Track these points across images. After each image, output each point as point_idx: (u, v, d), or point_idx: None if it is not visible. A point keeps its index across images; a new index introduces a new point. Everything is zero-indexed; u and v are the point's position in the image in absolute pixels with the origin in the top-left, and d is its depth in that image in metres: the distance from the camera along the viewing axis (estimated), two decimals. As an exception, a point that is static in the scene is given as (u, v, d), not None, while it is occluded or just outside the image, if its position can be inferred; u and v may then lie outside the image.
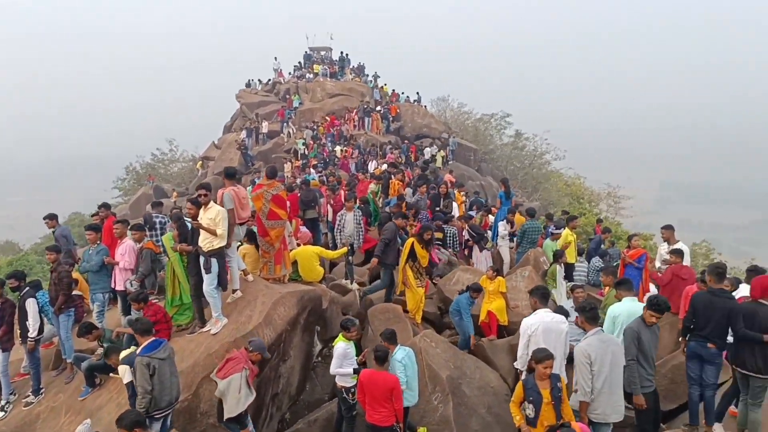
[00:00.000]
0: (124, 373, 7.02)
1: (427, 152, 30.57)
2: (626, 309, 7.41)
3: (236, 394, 6.93)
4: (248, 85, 47.08)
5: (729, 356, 7.16)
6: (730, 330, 7.02)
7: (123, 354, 7.28)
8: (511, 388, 9.20)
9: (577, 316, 7.26)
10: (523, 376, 6.97)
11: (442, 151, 31.76)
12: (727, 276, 7.94)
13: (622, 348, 6.74)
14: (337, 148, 30.53)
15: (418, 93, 42.13)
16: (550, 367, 6.20)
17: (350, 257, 12.32)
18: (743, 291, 8.34)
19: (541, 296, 7.32)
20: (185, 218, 8.69)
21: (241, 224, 8.56)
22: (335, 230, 12.22)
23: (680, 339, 7.84)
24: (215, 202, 8.36)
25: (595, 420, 6.55)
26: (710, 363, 7.13)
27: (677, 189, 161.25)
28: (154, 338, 6.74)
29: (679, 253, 9.85)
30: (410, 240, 10.27)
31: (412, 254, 10.20)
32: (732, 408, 7.43)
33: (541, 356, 6.19)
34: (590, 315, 6.76)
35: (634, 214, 47.63)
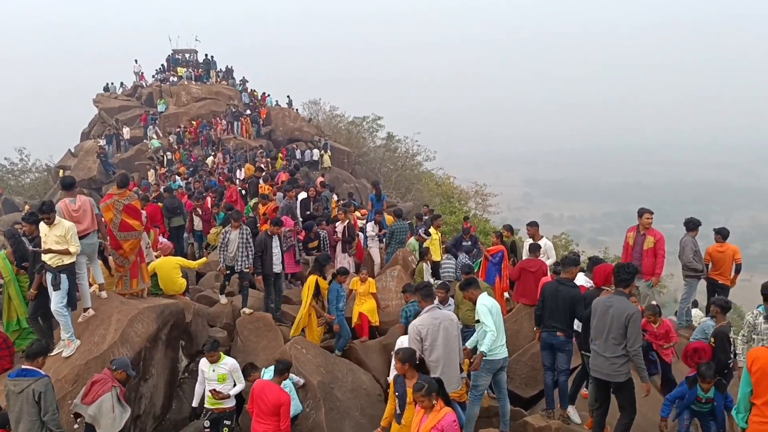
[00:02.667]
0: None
1: (315, 153, 30.49)
2: (492, 302, 7.56)
3: (110, 414, 6.54)
4: (107, 89, 44.24)
5: (578, 342, 7.64)
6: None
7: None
8: (384, 388, 9.28)
9: None
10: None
11: (327, 151, 31.70)
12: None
13: (455, 324, 7.09)
14: (209, 159, 29.40)
15: (288, 96, 41.70)
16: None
17: (245, 283, 11.05)
18: (581, 279, 8.93)
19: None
20: (24, 235, 7.96)
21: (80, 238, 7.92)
22: (219, 249, 11.20)
23: (535, 329, 8.25)
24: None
25: None
26: (561, 350, 7.58)
27: (539, 186, 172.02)
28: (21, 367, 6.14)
29: (534, 248, 10.44)
30: (313, 277, 9.80)
31: (316, 290, 9.80)
32: (583, 390, 7.94)
33: (405, 356, 6.24)
34: (425, 292, 7.10)
35: (501, 210, 50.06)
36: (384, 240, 14.27)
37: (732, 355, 7.39)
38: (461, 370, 7.30)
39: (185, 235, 15.49)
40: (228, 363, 7.79)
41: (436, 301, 7.28)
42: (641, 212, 9.96)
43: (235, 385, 7.75)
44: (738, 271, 10.57)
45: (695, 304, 12.70)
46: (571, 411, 7.64)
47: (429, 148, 48.06)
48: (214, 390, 7.65)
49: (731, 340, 7.44)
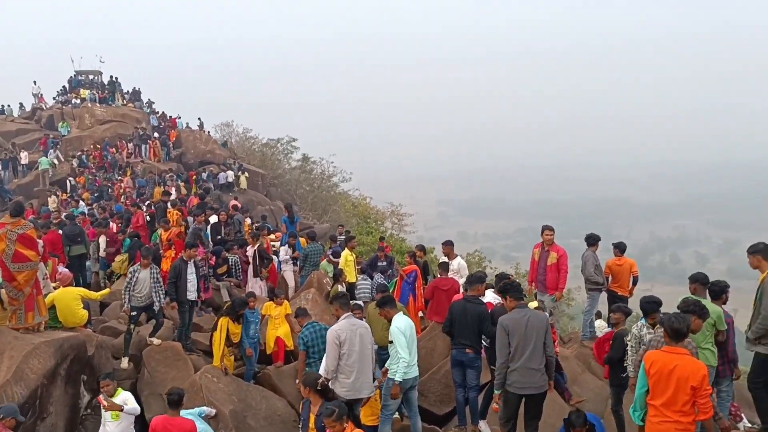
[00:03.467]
0: None
1: (226, 176, 29.87)
2: (406, 323, 7.57)
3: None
4: (2, 111, 41.76)
5: (487, 358, 7.84)
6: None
7: None
8: (299, 413, 9.15)
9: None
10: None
11: (245, 173, 31.13)
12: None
13: (369, 331, 7.44)
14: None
15: (200, 119, 40.89)
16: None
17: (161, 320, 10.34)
18: (489, 296, 9.19)
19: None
20: None
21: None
22: (124, 289, 10.39)
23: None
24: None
25: (346, 396, 6.87)
26: (470, 367, 7.75)
27: (454, 205, 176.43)
28: None
29: (444, 266, 10.66)
30: (224, 320, 9.42)
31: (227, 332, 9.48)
32: (494, 404, 8.12)
33: (308, 381, 6.25)
34: (342, 302, 7.49)
35: (417, 229, 50.80)
36: (298, 263, 14.16)
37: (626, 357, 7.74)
38: (374, 379, 7.46)
39: (88, 263, 14.76)
40: (122, 396, 7.58)
41: None
42: (543, 229, 10.43)
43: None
44: (635, 282, 11.12)
45: (599, 315, 13.33)
46: (483, 426, 7.81)
47: (345, 170, 48.25)
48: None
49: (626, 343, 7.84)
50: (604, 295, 11.46)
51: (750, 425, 8.20)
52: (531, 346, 6.59)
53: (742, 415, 8.38)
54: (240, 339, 9.75)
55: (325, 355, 7.45)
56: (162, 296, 10.12)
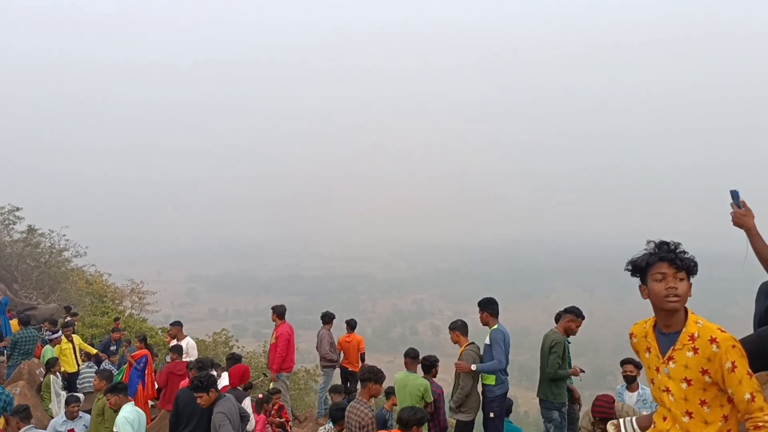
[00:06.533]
0: None
1: None
2: (136, 414, 7.01)
3: None
4: None
5: None
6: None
7: None
8: None
9: None
10: None
11: None
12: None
13: None
14: None
15: None
16: None
17: None
18: (225, 380, 9.01)
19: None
20: None
21: None
22: None
23: None
24: None
25: None
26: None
27: (203, 281, 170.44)
28: None
29: (177, 349, 10.18)
30: None
31: None
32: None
33: None
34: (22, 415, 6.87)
35: (161, 308, 47.74)
36: (5, 351, 12.33)
37: None
38: None
39: None
40: None
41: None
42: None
43: None
44: (362, 359, 11.55)
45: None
46: None
47: (80, 243, 43.92)
48: None
49: None
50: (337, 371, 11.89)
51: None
52: None
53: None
54: None
55: None
56: None
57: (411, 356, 7.84)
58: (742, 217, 3.52)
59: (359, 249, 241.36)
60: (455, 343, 7.61)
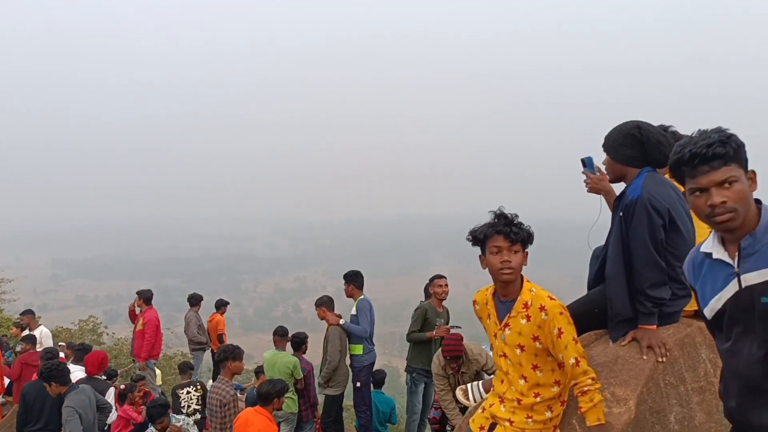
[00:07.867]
0: None
1: None
2: None
3: None
4: None
5: None
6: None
7: None
8: None
9: None
10: None
11: None
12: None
13: None
14: None
15: None
16: None
17: None
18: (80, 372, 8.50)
19: None
20: None
21: None
22: None
23: None
24: None
25: None
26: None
27: (70, 266, 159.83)
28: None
29: (30, 339, 9.53)
30: None
31: None
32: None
33: None
34: None
35: (20, 296, 44.26)
36: None
37: None
38: None
39: None
40: None
41: None
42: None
43: None
44: (220, 340, 11.20)
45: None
46: None
47: None
48: None
49: None
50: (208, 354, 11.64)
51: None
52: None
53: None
54: None
55: None
56: None
57: (279, 334, 7.88)
58: (599, 182, 3.52)
59: (240, 227, 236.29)
60: (321, 319, 7.70)
